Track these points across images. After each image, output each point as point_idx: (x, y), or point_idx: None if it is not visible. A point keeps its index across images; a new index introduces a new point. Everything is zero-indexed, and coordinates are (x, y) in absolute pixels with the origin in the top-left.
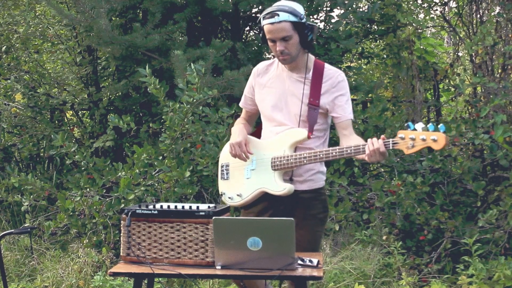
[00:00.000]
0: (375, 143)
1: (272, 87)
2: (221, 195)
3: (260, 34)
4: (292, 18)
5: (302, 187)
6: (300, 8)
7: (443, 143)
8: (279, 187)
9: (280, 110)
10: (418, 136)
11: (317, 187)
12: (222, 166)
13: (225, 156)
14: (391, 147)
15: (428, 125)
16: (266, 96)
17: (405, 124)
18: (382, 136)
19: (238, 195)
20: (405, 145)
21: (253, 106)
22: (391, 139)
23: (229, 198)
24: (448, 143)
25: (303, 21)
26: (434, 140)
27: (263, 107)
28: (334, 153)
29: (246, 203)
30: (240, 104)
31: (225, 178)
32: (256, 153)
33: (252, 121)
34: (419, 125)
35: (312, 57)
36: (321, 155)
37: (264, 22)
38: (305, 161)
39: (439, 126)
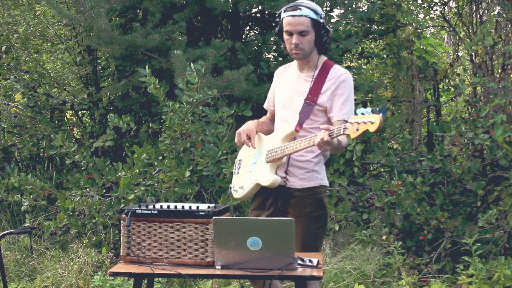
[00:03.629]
0: (320, 135)
1: (284, 87)
2: (230, 188)
3: (277, 28)
4: (313, 15)
5: (295, 185)
6: (320, 9)
7: (378, 125)
8: (266, 177)
9: (287, 108)
10: (361, 120)
11: (311, 186)
12: (236, 162)
13: (240, 152)
14: (342, 133)
15: (370, 109)
16: (279, 96)
17: (357, 110)
18: (326, 126)
19: (240, 187)
20: (352, 129)
21: (274, 107)
22: (342, 125)
23: (234, 190)
24: (381, 125)
25: (321, 21)
26: (372, 122)
27: (276, 106)
28: (296, 145)
29: (247, 196)
30: (264, 106)
31: (237, 173)
32: (260, 148)
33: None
34: (366, 110)
35: (323, 57)
36: (297, 145)
37: (285, 14)
38: (286, 152)
39: (378, 108)
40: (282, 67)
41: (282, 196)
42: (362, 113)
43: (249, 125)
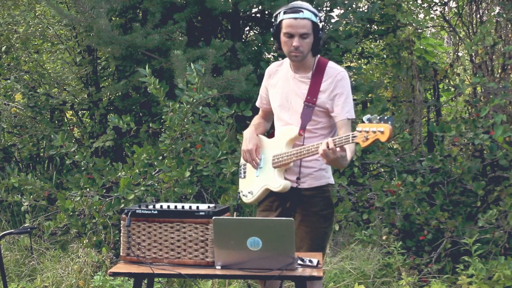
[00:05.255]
0: (324, 143)
1: (279, 87)
2: (239, 193)
3: (273, 29)
4: (314, 19)
5: (304, 185)
6: (316, 11)
7: (388, 134)
8: (276, 183)
9: (287, 110)
10: (370, 129)
11: (319, 185)
12: (240, 166)
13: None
14: (351, 141)
15: (379, 117)
16: (274, 96)
17: (363, 118)
18: (329, 138)
19: (249, 192)
20: (361, 138)
21: (268, 105)
22: (350, 133)
23: (244, 195)
24: (392, 134)
25: (320, 24)
26: (381, 132)
27: (273, 107)
28: (303, 151)
29: (256, 200)
30: (257, 104)
31: (243, 177)
32: (264, 152)
33: (269, 118)
34: (374, 118)
35: (316, 56)
36: (304, 151)
37: (285, 16)
38: (294, 158)
39: (386, 117)
40: (274, 65)
41: (291, 197)
42: (369, 120)
43: (253, 139)
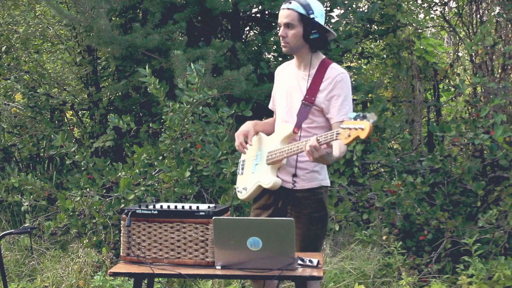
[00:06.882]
0: (310, 140)
1: (283, 85)
2: (235, 189)
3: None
4: (301, 10)
5: (296, 186)
6: (316, 5)
7: (367, 131)
8: (267, 180)
9: (286, 106)
10: (352, 126)
11: (311, 187)
12: (239, 162)
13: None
14: (335, 138)
15: (362, 114)
16: (279, 95)
17: (349, 115)
18: (315, 137)
19: (244, 188)
20: (344, 135)
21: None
22: (335, 130)
23: (239, 192)
24: (371, 132)
25: (311, 16)
26: (362, 129)
27: (277, 105)
28: (293, 148)
29: (250, 197)
30: (269, 106)
31: (240, 173)
32: (261, 149)
33: None
34: (358, 115)
35: (321, 56)
36: (294, 148)
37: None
38: (284, 154)
39: (367, 114)
40: (283, 65)
41: (284, 197)
42: (355, 118)
43: (246, 126)
